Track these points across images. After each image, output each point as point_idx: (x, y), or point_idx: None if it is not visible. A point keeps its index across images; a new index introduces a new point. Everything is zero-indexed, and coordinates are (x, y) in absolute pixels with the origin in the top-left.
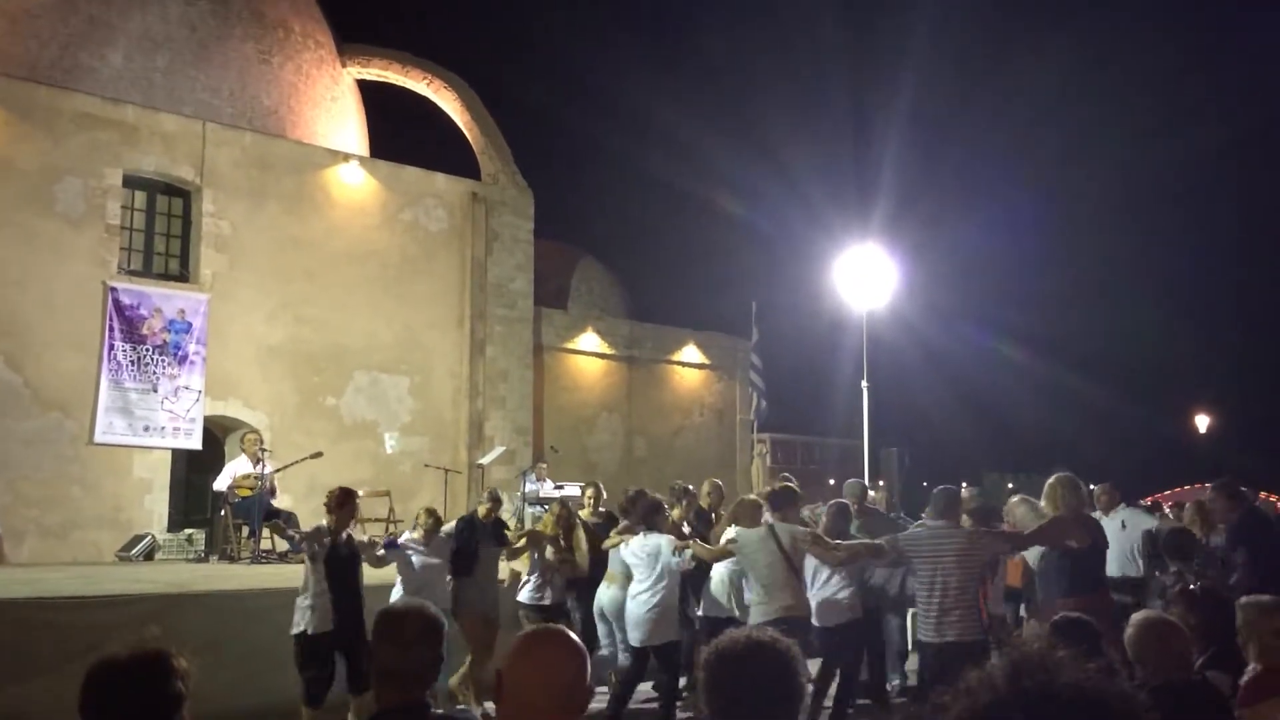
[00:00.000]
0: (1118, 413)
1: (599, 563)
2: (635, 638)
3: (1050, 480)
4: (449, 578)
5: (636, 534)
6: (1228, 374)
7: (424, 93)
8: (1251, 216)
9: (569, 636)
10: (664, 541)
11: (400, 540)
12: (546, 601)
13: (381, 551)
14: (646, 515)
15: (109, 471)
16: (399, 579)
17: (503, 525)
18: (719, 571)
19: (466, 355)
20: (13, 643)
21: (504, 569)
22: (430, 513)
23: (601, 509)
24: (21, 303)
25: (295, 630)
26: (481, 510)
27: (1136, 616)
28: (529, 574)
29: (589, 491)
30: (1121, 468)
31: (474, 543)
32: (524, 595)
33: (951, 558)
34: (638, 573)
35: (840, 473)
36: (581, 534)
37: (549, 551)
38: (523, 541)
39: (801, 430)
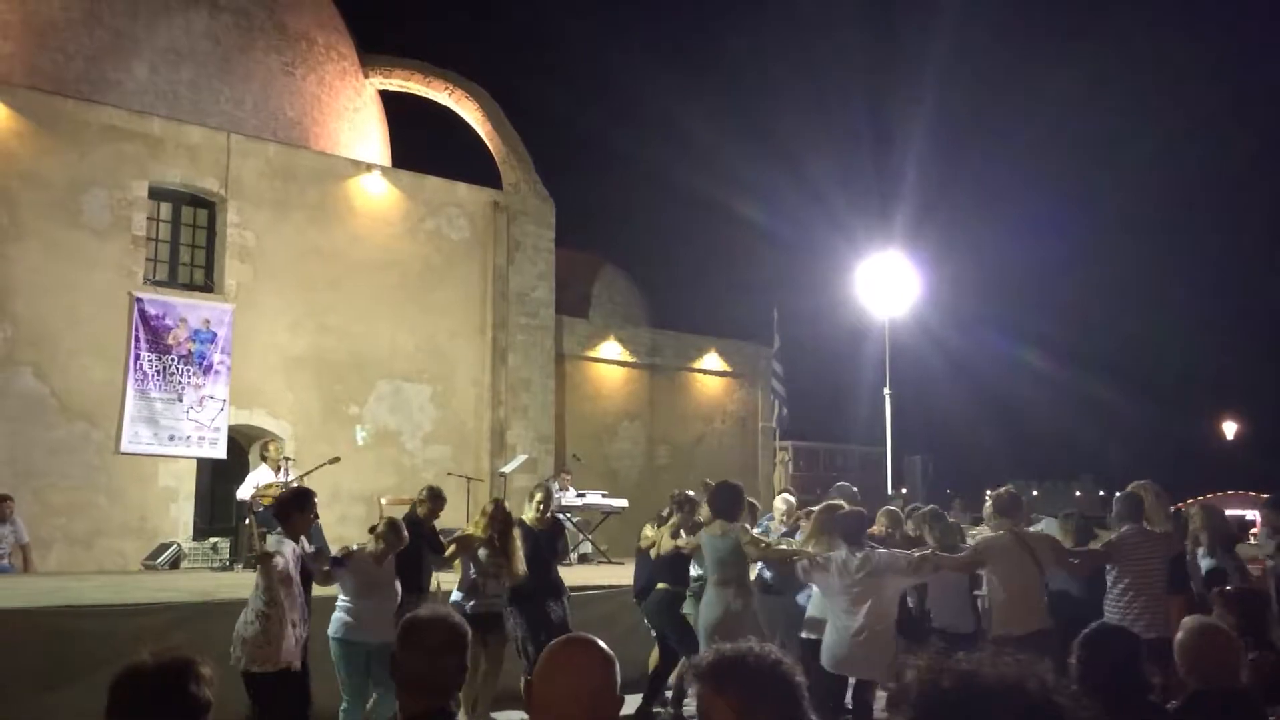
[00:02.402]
0: (1143, 419)
1: (540, 574)
2: (832, 663)
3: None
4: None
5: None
6: (1255, 379)
7: (445, 102)
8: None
9: (597, 644)
10: (888, 556)
11: (354, 554)
12: (479, 610)
13: (328, 567)
14: (852, 531)
15: (135, 480)
16: (339, 602)
17: (436, 532)
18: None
19: (488, 364)
20: (40, 651)
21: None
22: (393, 527)
23: (550, 515)
24: (48, 313)
25: (258, 668)
26: (421, 510)
27: (1186, 621)
28: (460, 580)
29: (538, 496)
30: (1147, 475)
31: (418, 550)
32: (453, 603)
33: (1158, 560)
34: (840, 599)
35: (862, 480)
36: (517, 539)
37: (482, 554)
38: (453, 549)
39: (824, 437)
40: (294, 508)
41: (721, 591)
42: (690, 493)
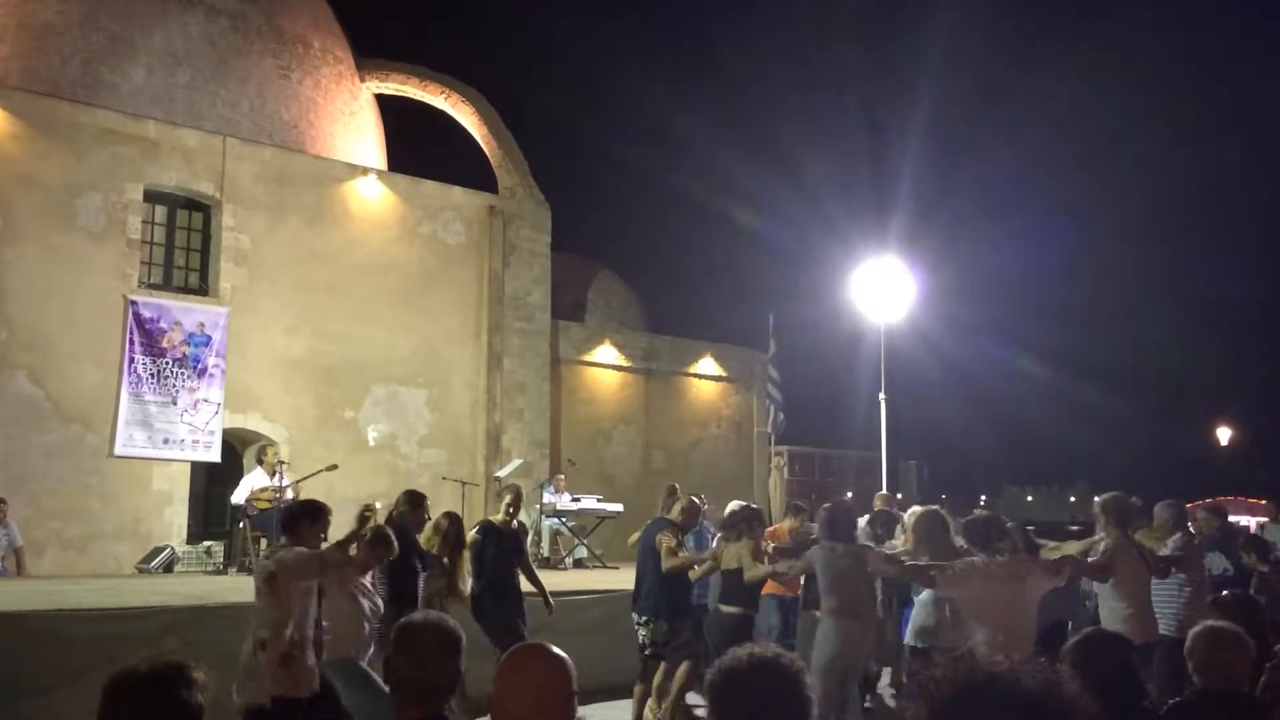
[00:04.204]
0: (1138, 426)
1: (494, 580)
2: None
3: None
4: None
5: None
6: (1250, 386)
7: (441, 106)
8: (1275, 228)
9: (550, 650)
10: (1029, 561)
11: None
12: None
13: None
14: (980, 537)
15: (129, 484)
16: None
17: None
18: (927, 595)
19: (484, 368)
20: (34, 655)
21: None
22: (383, 538)
23: (517, 522)
24: (43, 316)
25: (256, 698)
26: (407, 517)
27: (1203, 622)
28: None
29: (507, 498)
30: (1142, 481)
31: (409, 558)
32: None
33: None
34: (982, 607)
35: (858, 486)
36: (466, 556)
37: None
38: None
39: (819, 443)
40: (303, 516)
41: (839, 620)
42: (756, 506)
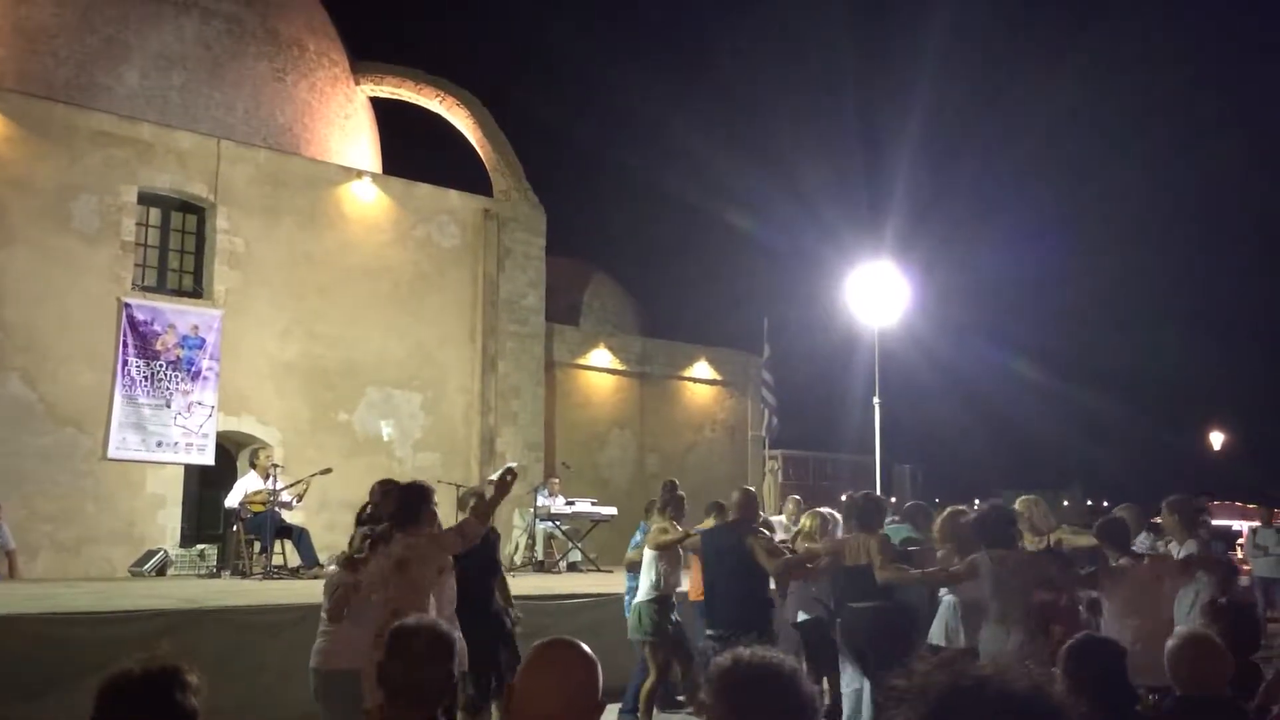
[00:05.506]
0: (1132, 429)
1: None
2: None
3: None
4: None
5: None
6: (1243, 391)
7: (437, 110)
8: (1271, 232)
9: (580, 646)
10: (1164, 561)
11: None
12: None
13: None
14: (1121, 537)
15: (122, 487)
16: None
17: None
18: (952, 597)
19: (478, 371)
20: (26, 658)
21: None
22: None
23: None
24: (37, 319)
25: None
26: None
27: (1179, 630)
28: None
29: (471, 502)
30: (1136, 485)
31: None
32: None
33: None
34: (1126, 605)
35: (853, 489)
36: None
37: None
38: None
39: (814, 446)
40: (420, 501)
41: (1004, 628)
42: (875, 496)
